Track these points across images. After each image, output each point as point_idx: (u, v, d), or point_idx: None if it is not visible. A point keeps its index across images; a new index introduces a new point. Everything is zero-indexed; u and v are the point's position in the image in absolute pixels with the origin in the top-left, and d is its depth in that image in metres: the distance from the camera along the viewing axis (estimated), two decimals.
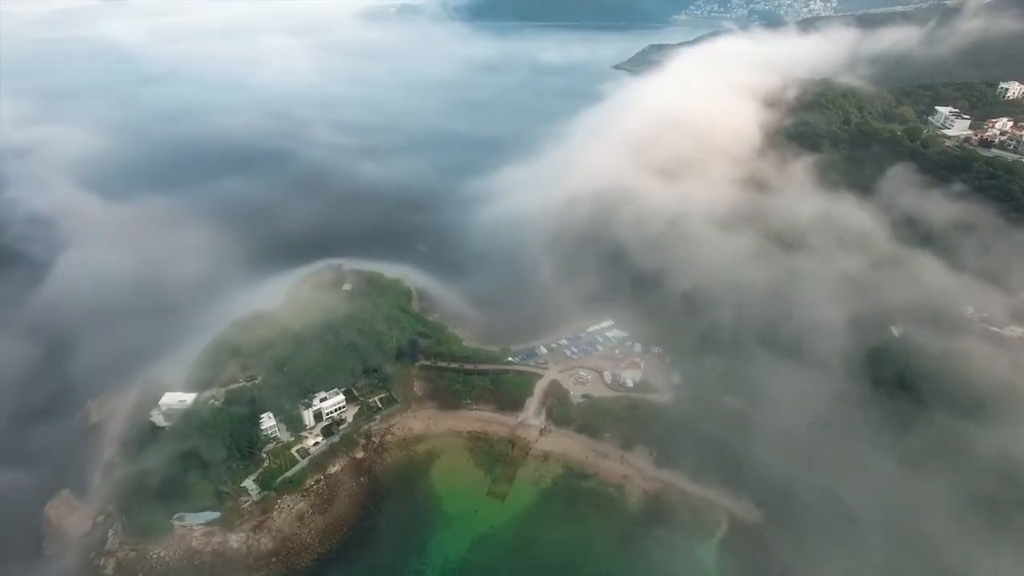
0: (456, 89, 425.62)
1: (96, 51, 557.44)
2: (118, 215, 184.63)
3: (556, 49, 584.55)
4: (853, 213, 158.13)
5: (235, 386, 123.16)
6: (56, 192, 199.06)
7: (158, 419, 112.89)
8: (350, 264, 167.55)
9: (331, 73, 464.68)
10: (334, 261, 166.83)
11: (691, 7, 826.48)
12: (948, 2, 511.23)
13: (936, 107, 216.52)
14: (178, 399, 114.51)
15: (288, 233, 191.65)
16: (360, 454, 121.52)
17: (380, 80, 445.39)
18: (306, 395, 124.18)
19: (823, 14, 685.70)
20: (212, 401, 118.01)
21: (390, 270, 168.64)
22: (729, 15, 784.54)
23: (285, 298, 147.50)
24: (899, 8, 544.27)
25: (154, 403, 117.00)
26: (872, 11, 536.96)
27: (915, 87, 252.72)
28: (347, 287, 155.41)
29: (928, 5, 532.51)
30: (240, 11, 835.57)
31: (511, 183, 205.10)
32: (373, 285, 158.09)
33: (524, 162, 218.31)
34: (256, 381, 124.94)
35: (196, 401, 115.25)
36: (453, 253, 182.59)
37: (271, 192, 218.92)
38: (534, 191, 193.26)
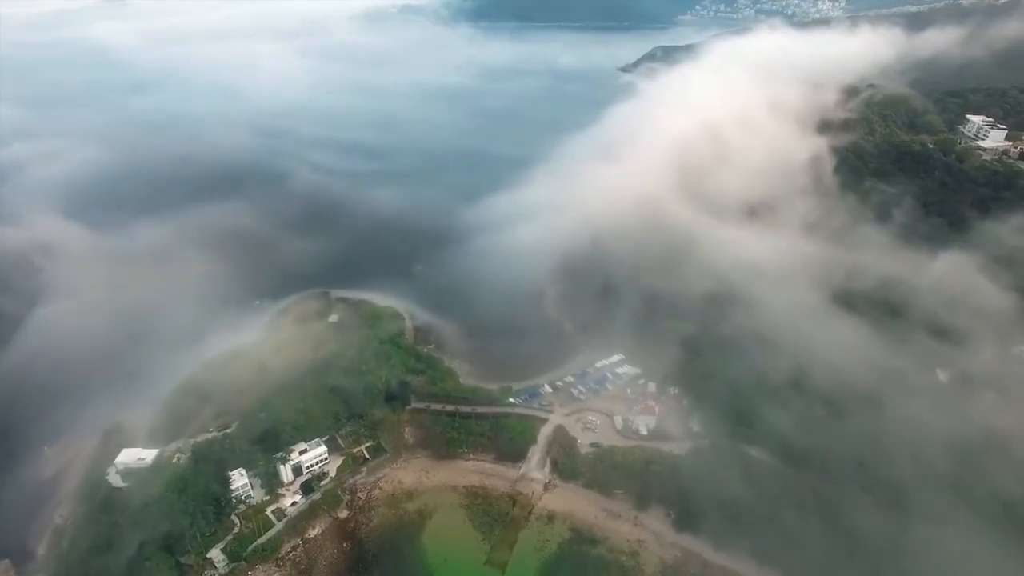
0: (457, 96, 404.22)
1: (87, 55, 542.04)
2: (86, 242, 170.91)
3: (561, 51, 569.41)
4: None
5: (204, 437, 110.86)
6: (22, 216, 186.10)
7: (115, 479, 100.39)
8: (338, 292, 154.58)
9: (329, 80, 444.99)
10: (320, 290, 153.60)
11: (696, 7, 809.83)
12: (963, 2, 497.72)
13: (967, 115, 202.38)
14: (137, 456, 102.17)
15: (271, 259, 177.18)
16: (343, 513, 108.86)
17: (379, 87, 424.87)
18: (284, 447, 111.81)
19: (832, 14, 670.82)
20: (178, 456, 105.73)
21: (381, 298, 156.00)
22: (735, 15, 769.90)
23: (265, 333, 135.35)
24: (912, 8, 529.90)
25: (112, 457, 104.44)
26: (883, 11, 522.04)
27: (941, 93, 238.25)
28: (333, 318, 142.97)
29: (943, 5, 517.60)
30: (237, 12, 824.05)
31: (514, 203, 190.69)
32: (362, 315, 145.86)
33: (529, 181, 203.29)
34: (228, 431, 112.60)
35: (158, 458, 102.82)
36: (451, 277, 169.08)
37: (255, 215, 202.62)
38: (539, 212, 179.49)
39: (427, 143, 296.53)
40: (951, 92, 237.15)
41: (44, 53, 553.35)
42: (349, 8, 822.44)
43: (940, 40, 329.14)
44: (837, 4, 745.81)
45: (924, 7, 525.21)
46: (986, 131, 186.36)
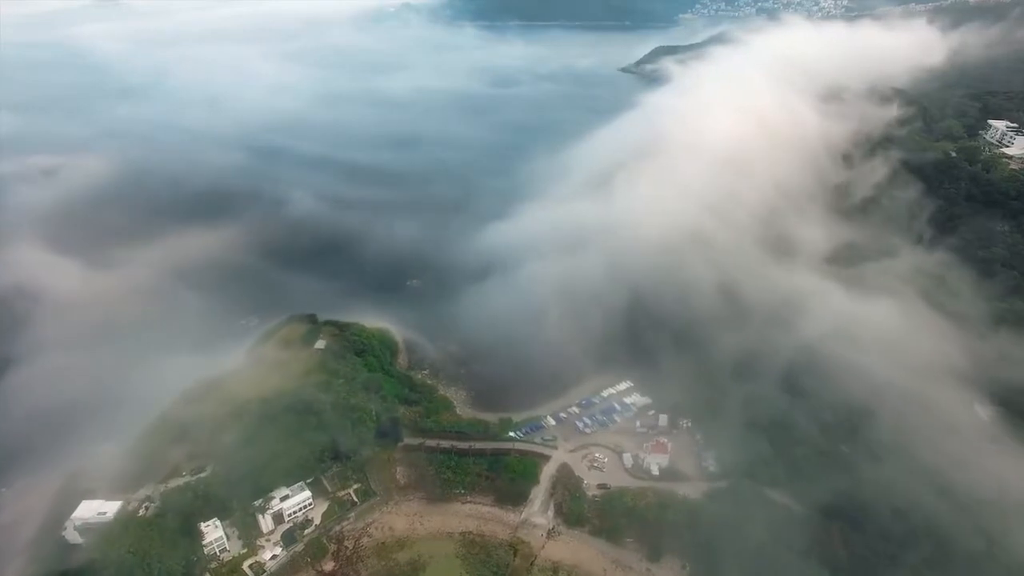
0: (457, 102, 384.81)
1: (75, 58, 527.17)
2: (54, 265, 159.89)
3: (563, 52, 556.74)
4: None
5: (176, 483, 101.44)
6: None
7: (72, 536, 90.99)
8: (325, 314, 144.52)
9: (327, 85, 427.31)
10: (306, 313, 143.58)
11: (697, 5, 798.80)
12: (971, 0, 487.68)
13: (988, 120, 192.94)
14: (97, 510, 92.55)
15: (254, 281, 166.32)
16: (329, 566, 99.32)
17: (378, 93, 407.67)
18: (264, 492, 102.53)
19: (834, 13, 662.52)
20: (145, 506, 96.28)
21: (373, 319, 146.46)
22: (736, 13, 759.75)
23: (245, 363, 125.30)
24: (917, 7, 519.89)
25: (72, 507, 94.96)
26: (887, 10, 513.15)
27: (958, 96, 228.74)
28: (320, 344, 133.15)
29: (949, 4, 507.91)
30: (233, 12, 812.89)
31: (516, 218, 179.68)
32: (351, 340, 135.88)
33: (532, 194, 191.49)
34: (203, 475, 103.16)
35: (121, 511, 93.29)
36: (448, 296, 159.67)
37: (237, 235, 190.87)
38: (542, 228, 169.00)
39: (426, 153, 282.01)
40: (969, 95, 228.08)
41: (32, 54, 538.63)
42: (348, 8, 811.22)
43: (951, 40, 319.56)
44: (839, 2, 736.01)
45: (930, 5, 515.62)
46: (1011, 137, 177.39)
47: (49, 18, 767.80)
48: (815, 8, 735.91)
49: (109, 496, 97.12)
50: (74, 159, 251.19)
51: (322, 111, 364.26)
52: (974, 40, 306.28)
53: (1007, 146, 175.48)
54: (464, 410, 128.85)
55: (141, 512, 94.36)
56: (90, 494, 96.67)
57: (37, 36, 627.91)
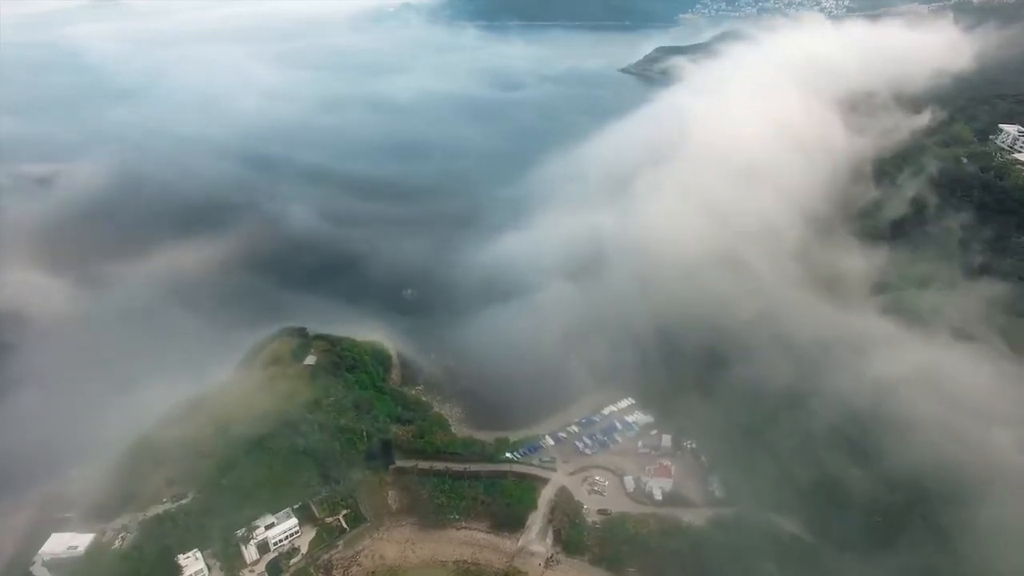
0: (455, 104, 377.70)
1: (74, 58, 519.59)
2: (38, 277, 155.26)
3: (564, 52, 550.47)
4: None
5: (155, 511, 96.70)
6: None
7: (40, 572, 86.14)
8: (316, 327, 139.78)
9: (327, 88, 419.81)
10: (296, 326, 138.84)
11: (698, 5, 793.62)
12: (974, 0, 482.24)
13: (999, 125, 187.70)
14: (68, 543, 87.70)
15: (241, 293, 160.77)
16: None
17: (382, 96, 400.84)
18: (248, 520, 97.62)
19: (835, 13, 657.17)
20: (122, 537, 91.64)
21: (366, 331, 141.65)
22: (736, 13, 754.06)
23: (231, 381, 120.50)
24: (922, 6, 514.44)
25: (42, 540, 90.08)
26: (889, 10, 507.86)
27: (966, 100, 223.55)
28: (310, 360, 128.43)
29: (953, 3, 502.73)
30: (232, 12, 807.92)
31: (516, 228, 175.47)
32: (343, 356, 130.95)
33: (533, 204, 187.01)
34: (184, 502, 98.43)
35: (94, 544, 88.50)
36: (444, 307, 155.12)
37: (224, 244, 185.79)
38: (543, 237, 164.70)
39: (426, 160, 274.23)
40: (976, 99, 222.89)
41: (30, 55, 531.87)
42: (348, 8, 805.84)
43: (959, 41, 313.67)
44: (840, 2, 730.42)
45: (934, 6, 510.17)
46: (1023, 143, 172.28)
47: (47, 18, 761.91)
48: (816, 8, 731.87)
49: (84, 526, 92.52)
50: (68, 167, 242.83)
51: (321, 115, 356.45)
52: (981, 42, 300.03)
53: (1019, 151, 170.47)
54: (459, 429, 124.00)
55: (116, 544, 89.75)
56: (62, 525, 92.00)
57: (35, 36, 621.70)
